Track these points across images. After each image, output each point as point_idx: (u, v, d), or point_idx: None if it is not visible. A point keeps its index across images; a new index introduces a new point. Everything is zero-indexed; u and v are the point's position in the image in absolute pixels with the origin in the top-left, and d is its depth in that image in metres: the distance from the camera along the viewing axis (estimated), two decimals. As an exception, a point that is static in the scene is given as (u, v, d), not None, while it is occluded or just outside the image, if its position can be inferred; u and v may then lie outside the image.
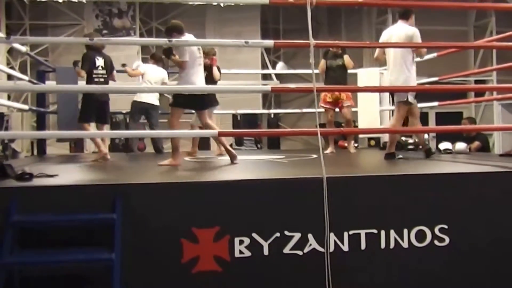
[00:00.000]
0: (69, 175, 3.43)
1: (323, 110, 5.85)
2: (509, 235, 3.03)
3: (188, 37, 4.20)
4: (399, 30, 4.42)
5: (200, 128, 5.42)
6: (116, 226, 2.51)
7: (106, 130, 5.49)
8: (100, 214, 2.59)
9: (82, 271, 2.57)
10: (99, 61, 5.28)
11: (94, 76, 5.20)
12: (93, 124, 5.32)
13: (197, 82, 4.28)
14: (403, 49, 4.36)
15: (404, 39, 4.34)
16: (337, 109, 5.94)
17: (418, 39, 4.36)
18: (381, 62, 4.87)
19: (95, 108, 5.20)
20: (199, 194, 2.76)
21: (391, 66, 4.44)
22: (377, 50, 4.75)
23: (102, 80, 5.27)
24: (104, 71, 5.30)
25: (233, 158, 4.44)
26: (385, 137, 6.84)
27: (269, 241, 2.73)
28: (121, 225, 2.52)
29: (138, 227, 2.63)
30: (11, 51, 11.17)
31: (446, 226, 2.92)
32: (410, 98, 4.45)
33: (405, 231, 2.88)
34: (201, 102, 4.31)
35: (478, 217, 3.01)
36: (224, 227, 2.69)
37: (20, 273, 2.50)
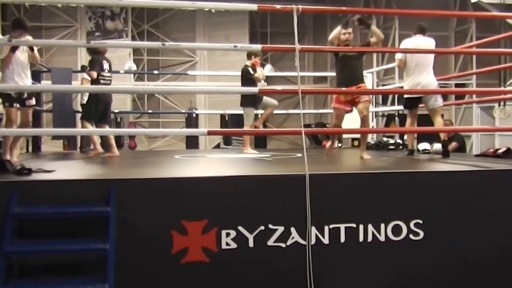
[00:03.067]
0: (65, 170, 3.54)
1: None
2: (480, 229, 3.21)
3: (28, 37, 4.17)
4: (426, 41, 5.05)
5: (266, 126, 5.58)
6: (110, 218, 2.63)
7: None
8: (95, 207, 2.71)
9: (77, 260, 2.68)
10: (106, 65, 5.54)
11: (100, 78, 5.45)
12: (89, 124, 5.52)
13: (20, 82, 4.27)
14: (432, 56, 4.99)
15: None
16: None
17: None
18: (401, 68, 5.23)
19: (99, 109, 5.46)
20: (189, 189, 2.89)
21: (422, 71, 4.91)
22: (398, 59, 5.11)
23: (108, 82, 5.55)
24: (110, 74, 5.57)
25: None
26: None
27: (254, 234, 2.87)
28: (114, 217, 2.65)
29: (131, 220, 2.75)
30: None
31: (421, 221, 3.08)
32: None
33: (382, 225, 3.03)
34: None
35: (452, 212, 3.17)
36: (212, 220, 2.82)
37: (19, 261, 2.61)
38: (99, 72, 5.44)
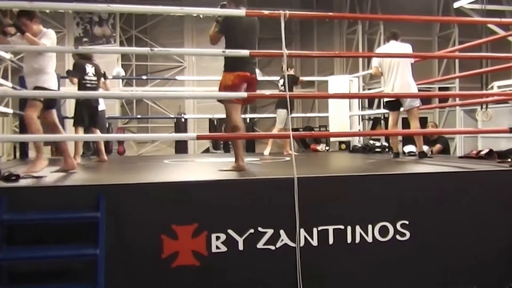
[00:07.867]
0: (54, 176, 3.52)
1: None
2: (464, 229, 3.28)
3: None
4: (401, 46, 5.18)
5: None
6: (100, 223, 2.64)
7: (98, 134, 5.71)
8: (84, 212, 2.71)
9: (68, 266, 2.68)
10: (89, 69, 5.56)
11: (84, 82, 5.49)
12: (81, 128, 5.55)
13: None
14: (405, 59, 5.09)
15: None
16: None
17: None
18: (378, 76, 5.45)
19: (85, 113, 5.49)
20: (179, 193, 2.91)
21: (396, 74, 5.07)
22: (374, 67, 5.35)
23: (94, 86, 5.57)
24: (95, 78, 5.59)
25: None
26: (355, 141, 7.16)
27: (243, 237, 2.90)
28: (104, 222, 2.65)
29: (121, 225, 2.76)
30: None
31: (407, 222, 3.14)
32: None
33: (370, 226, 3.09)
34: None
35: (437, 213, 3.24)
36: (202, 224, 2.84)
37: (8, 268, 2.60)
38: (81, 77, 5.47)
